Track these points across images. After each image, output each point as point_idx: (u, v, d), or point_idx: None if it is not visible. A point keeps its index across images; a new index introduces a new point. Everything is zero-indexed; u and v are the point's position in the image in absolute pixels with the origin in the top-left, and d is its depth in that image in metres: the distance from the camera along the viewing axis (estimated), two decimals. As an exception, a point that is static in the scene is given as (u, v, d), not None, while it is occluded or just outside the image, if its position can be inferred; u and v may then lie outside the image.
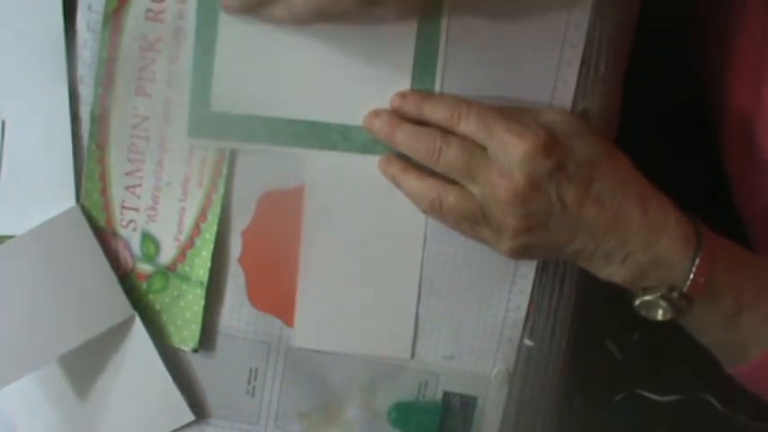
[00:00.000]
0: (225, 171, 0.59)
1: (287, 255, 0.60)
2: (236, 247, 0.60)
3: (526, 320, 0.61)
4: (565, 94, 0.58)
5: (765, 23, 0.62)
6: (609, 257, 0.56)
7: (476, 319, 0.61)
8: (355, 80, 0.58)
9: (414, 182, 0.57)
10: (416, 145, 0.56)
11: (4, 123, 0.59)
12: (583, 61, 0.57)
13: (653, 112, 0.68)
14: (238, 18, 0.57)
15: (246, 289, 0.61)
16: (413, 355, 0.62)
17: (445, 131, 0.56)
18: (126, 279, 0.61)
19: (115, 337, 0.61)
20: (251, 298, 0.61)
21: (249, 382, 0.62)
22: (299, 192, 0.60)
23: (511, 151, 0.54)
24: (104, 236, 0.60)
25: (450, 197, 0.56)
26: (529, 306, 0.61)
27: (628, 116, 0.60)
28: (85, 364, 0.62)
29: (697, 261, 0.55)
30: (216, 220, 0.60)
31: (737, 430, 0.71)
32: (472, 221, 0.57)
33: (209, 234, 0.60)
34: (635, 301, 0.57)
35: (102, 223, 0.60)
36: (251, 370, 0.62)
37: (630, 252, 0.55)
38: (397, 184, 0.58)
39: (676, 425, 0.72)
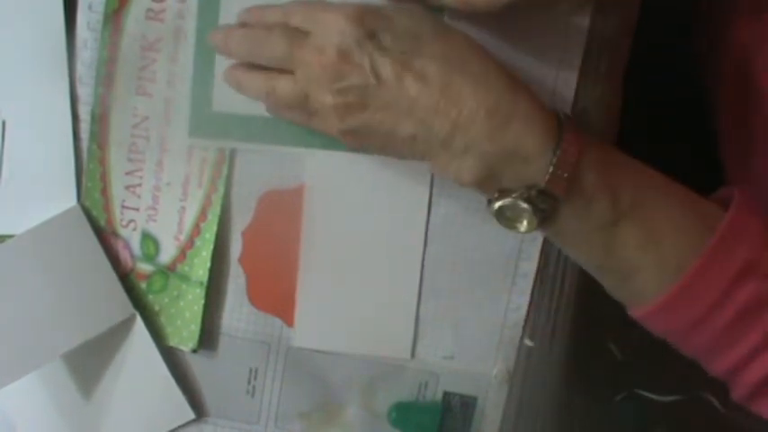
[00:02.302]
0: (225, 171, 0.59)
1: (287, 255, 0.60)
2: (236, 247, 0.61)
3: (526, 320, 0.61)
4: (565, 94, 0.58)
5: (767, 19, 0.62)
6: (447, 147, 0.51)
7: (476, 319, 0.61)
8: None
9: (252, 80, 0.56)
10: (246, 44, 0.55)
11: (4, 123, 0.59)
12: (583, 61, 0.57)
13: (653, 111, 0.68)
14: (238, 17, 0.57)
15: (246, 289, 0.61)
16: (413, 355, 0.62)
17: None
18: (126, 279, 0.61)
19: (116, 336, 0.61)
20: (251, 298, 0.61)
21: (249, 382, 0.62)
22: (299, 192, 0.60)
23: (325, 28, 0.52)
24: (105, 235, 0.60)
25: (279, 84, 0.54)
26: (529, 306, 0.61)
27: (628, 116, 0.60)
28: (86, 364, 0.62)
29: (558, 153, 0.49)
30: (216, 220, 0.60)
31: (737, 430, 0.71)
32: (302, 109, 0.54)
33: (209, 234, 0.60)
34: (492, 206, 0.51)
35: (102, 223, 0.60)
36: (251, 370, 0.62)
37: (472, 141, 0.50)
38: (242, 89, 0.57)
39: (676, 425, 0.72)
